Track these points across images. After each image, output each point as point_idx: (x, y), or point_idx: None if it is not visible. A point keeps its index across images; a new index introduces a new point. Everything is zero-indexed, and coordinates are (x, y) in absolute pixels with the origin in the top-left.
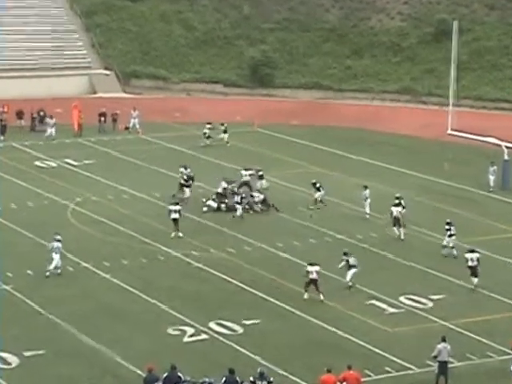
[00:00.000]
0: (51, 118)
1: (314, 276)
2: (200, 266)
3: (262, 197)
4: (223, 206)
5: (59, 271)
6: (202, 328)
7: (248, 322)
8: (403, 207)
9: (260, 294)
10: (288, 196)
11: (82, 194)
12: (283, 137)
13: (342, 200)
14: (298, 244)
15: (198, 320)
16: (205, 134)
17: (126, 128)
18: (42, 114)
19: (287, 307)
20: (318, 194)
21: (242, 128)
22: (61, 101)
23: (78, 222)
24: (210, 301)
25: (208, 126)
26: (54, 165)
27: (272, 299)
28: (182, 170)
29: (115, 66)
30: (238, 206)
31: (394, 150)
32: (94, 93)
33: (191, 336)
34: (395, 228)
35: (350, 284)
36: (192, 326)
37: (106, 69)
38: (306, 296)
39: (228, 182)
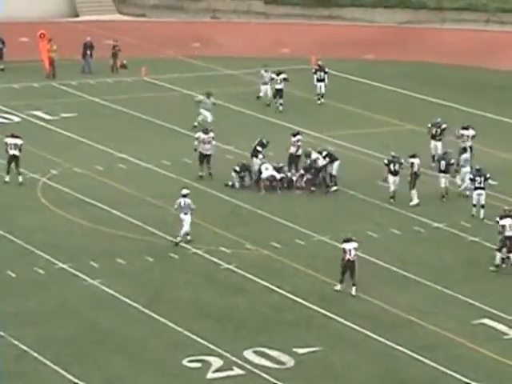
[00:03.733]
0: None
1: (351, 256)
2: (232, 268)
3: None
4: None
5: (189, 237)
6: (233, 359)
7: (302, 351)
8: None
9: (320, 310)
10: (361, 166)
11: (59, 164)
12: (353, 78)
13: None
14: (374, 236)
15: (229, 347)
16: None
17: (122, 66)
18: None
19: (360, 329)
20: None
21: (291, 65)
22: (28, 26)
23: (52, 203)
24: (247, 320)
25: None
26: (17, 120)
27: (338, 317)
28: (199, 135)
29: None
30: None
31: None
32: (76, 15)
33: (218, 371)
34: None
35: None
36: (219, 356)
37: None
38: (338, 287)
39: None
